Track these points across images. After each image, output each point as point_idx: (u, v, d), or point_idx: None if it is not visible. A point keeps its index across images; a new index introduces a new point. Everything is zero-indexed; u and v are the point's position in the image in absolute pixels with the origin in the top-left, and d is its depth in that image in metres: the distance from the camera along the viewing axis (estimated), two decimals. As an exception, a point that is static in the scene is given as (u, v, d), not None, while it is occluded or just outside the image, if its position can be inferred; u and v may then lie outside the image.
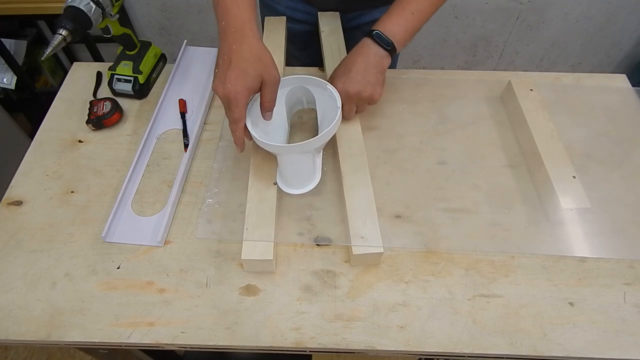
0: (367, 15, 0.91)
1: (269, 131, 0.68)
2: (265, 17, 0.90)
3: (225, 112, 0.59)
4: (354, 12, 0.91)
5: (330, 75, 0.71)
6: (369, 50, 0.68)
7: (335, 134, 0.69)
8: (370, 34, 0.69)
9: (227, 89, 0.56)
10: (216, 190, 0.68)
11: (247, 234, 0.60)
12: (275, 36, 0.85)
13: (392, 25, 0.68)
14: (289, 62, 0.87)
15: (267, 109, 0.62)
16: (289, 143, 0.70)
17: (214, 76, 0.58)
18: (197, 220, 0.66)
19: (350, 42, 0.96)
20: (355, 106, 0.70)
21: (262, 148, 0.63)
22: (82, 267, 0.62)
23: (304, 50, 1.00)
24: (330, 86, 0.65)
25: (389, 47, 0.68)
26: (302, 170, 0.66)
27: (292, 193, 0.67)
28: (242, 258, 0.58)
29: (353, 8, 0.90)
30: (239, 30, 0.58)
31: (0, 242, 0.64)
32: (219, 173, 0.70)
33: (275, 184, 0.65)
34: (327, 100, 0.67)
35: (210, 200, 0.67)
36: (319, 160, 0.68)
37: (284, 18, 0.89)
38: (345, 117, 0.70)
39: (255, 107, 0.66)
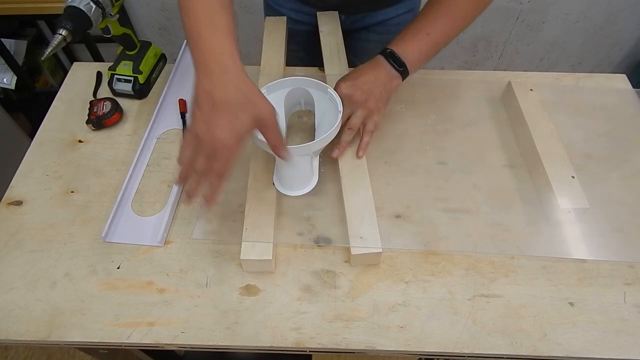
0: (372, 16, 0.91)
1: None
2: (266, 17, 0.90)
3: (202, 159, 0.49)
4: (357, 14, 0.91)
5: (337, 82, 0.69)
6: (381, 67, 0.68)
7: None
8: (383, 52, 0.68)
9: (215, 137, 0.47)
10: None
11: (246, 234, 0.60)
12: (275, 36, 0.85)
13: (406, 46, 0.67)
14: (293, 62, 0.87)
15: (279, 150, 0.54)
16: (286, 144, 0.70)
17: (193, 116, 0.49)
18: (194, 219, 0.66)
19: (355, 43, 0.96)
20: (362, 118, 0.67)
21: (261, 149, 0.63)
22: (82, 267, 0.62)
23: (307, 51, 1.00)
24: (331, 89, 0.65)
25: (401, 68, 0.67)
26: (300, 172, 0.66)
27: (290, 195, 0.67)
28: (241, 258, 0.58)
29: (356, 10, 0.90)
30: (222, 67, 0.49)
31: (0, 242, 0.64)
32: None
33: (274, 184, 0.65)
34: (327, 103, 0.67)
35: None
36: (316, 163, 0.68)
37: (284, 18, 0.89)
38: (350, 126, 0.66)
39: None
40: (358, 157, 0.68)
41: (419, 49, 0.68)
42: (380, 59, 0.68)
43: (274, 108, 0.51)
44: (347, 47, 0.95)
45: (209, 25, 0.49)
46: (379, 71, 0.68)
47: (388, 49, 0.68)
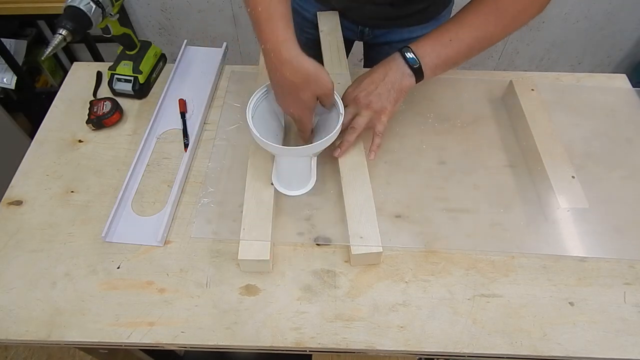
0: (397, 33, 0.89)
1: (266, 130, 0.68)
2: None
3: (294, 122, 0.66)
4: (383, 28, 0.89)
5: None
6: (394, 64, 0.66)
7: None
8: (401, 49, 0.66)
9: (292, 112, 0.62)
10: (211, 189, 0.68)
11: (243, 234, 0.60)
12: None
13: (426, 47, 0.65)
14: None
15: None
16: (284, 142, 0.70)
17: (275, 93, 0.63)
18: (193, 217, 0.66)
19: (377, 56, 0.94)
20: (367, 119, 0.66)
21: (260, 148, 0.63)
22: (82, 267, 0.62)
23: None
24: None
25: (415, 66, 0.64)
26: (299, 172, 0.66)
27: (288, 194, 0.67)
28: (238, 258, 0.58)
29: (383, 25, 0.88)
30: (277, 55, 0.57)
31: (0, 242, 0.64)
32: (215, 172, 0.70)
33: (273, 184, 0.65)
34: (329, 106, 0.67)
35: (205, 200, 0.67)
36: (314, 163, 0.68)
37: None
38: (354, 126, 0.66)
39: (258, 106, 0.66)
40: (370, 159, 0.67)
41: (438, 53, 0.65)
42: (396, 55, 0.66)
43: (331, 81, 0.60)
44: (368, 59, 0.93)
45: (268, 17, 0.56)
46: (390, 68, 0.66)
47: (406, 46, 0.66)
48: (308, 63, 0.57)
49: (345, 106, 0.66)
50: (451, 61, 0.66)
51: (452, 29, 0.64)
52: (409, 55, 0.65)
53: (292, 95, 0.59)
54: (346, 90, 0.68)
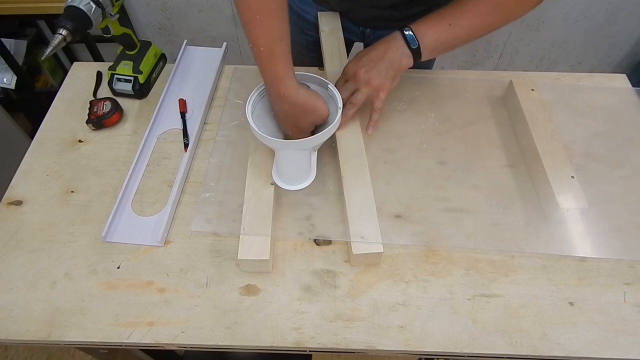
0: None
1: (267, 125, 0.68)
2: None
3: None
4: (384, 29, 0.89)
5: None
6: (394, 43, 0.67)
7: (335, 133, 0.69)
8: (401, 29, 0.67)
9: (291, 134, 0.66)
10: (212, 184, 0.68)
11: (243, 234, 0.60)
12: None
13: (426, 29, 0.66)
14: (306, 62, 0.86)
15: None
16: (283, 138, 0.70)
17: (276, 117, 0.66)
18: (193, 211, 0.66)
19: None
20: (366, 95, 0.67)
21: (260, 147, 0.64)
22: (82, 267, 0.62)
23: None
24: (331, 86, 0.65)
25: (414, 47, 0.66)
26: (299, 166, 0.67)
27: (288, 189, 0.67)
28: (238, 258, 0.58)
29: (385, 26, 0.89)
30: (276, 90, 0.60)
31: (0, 242, 0.64)
32: (216, 168, 0.71)
33: (273, 184, 0.65)
34: (327, 100, 0.67)
35: (207, 194, 0.67)
36: (314, 158, 0.69)
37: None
38: (352, 102, 0.68)
39: (258, 102, 0.66)
40: (367, 133, 0.70)
41: (437, 36, 0.66)
42: (396, 34, 0.68)
43: (327, 110, 0.64)
44: None
45: (269, 56, 0.58)
46: (390, 47, 0.67)
47: (407, 26, 0.67)
48: (305, 96, 0.61)
49: (345, 81, 0.68)
50: (449, 45, 0.68)
51: (453, 14, 0.66)
52: (409, 36, 0.66)
53: (292, 122, 0.63)
54: (346, 65, 0.70)
